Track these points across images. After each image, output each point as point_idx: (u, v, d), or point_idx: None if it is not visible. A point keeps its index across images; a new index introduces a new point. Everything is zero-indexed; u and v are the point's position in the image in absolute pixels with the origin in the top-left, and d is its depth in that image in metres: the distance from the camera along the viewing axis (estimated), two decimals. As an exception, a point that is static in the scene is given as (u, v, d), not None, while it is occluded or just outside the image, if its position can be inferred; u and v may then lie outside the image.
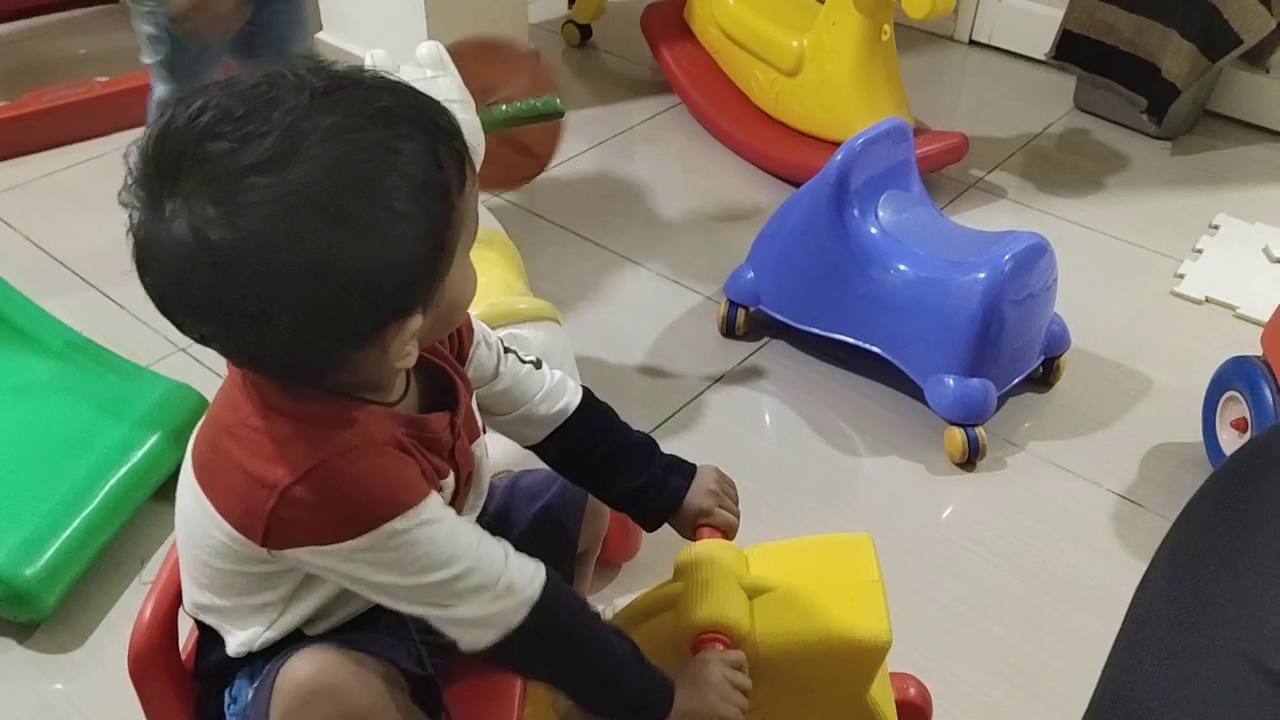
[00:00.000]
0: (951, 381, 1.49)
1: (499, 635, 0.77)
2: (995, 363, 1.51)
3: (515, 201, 2.07)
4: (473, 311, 0.87)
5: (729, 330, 1.75)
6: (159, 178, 0.65)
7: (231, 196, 0.63)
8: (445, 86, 1.31)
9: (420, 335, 0.73)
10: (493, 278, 1.32)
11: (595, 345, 1.72)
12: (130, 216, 0.66)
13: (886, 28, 2.02)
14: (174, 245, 0.64)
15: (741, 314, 1.74)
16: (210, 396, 0.81)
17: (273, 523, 0.71)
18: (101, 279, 1.82)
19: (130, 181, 0.66)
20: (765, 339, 1.74)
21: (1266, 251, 1.95)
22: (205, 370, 1.56)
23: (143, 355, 1.60)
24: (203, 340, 0.70)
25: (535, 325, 1.30)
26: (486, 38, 1.66)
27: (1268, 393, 1.39)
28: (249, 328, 0.67)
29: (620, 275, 1.91)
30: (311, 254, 0.64)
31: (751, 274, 1.73)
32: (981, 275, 1.47)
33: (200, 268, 0.64)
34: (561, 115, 1.44)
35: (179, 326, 0.69)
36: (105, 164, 2.07)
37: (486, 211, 1.43)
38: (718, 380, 1.67)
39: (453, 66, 1.33)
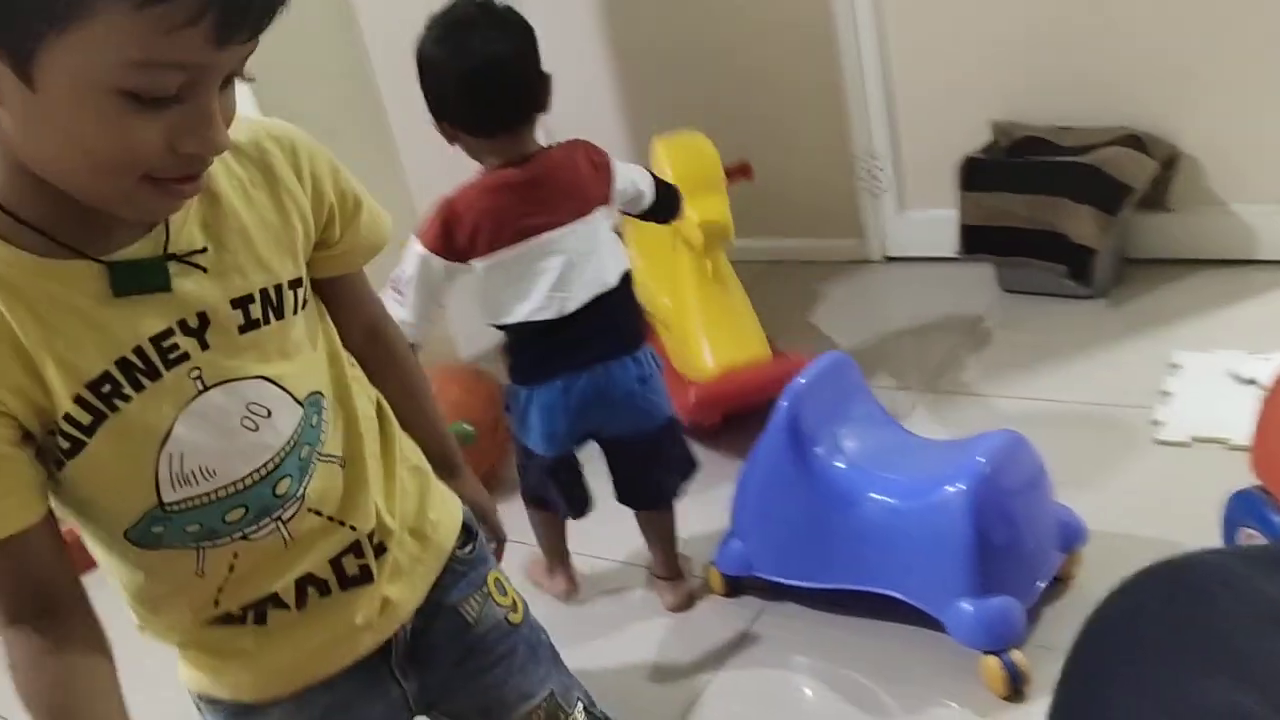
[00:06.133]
0: (969, 606, 1.40)
1: None
2: (1010, 574, 1.43)
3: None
4: None
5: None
6: None
7: None
8: None
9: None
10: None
11: (593, 654, 1.62)
12: None
13: (709, 264, 2.08)
14: None
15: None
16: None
17: None
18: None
19: None
20: (761, 605, 1.66)
21: (1234, 375, 1.93)
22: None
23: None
24: None
25: None
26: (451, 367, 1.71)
27: (1276, 520, 1.32)
28: None
29: (604, 580, 1.84)
30: None
31: (738, 541, 1.67)
32: (962, 485, 1.42)
33: None
34: (473, 439, 1.46)
35: None
36: None
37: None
38: (721, 666, 1.57)
39: None
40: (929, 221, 2.64)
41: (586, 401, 1.55)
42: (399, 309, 1.48)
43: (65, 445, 0.71)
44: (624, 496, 1.70)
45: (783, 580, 1.61)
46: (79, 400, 0.70)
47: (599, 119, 3.03)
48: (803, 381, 1.59)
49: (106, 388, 0.71)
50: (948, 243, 2.48)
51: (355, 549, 0.86)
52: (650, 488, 1.69)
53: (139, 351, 0.72)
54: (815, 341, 2.41)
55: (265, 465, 0.78)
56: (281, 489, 0.80)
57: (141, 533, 0.76)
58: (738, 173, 2.10)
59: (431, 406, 1.02)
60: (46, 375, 0.69)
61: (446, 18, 1.47)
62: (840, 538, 1.53)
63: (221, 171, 0.75)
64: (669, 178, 2.01)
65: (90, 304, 0.70)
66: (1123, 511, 1.65)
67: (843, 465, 1.55)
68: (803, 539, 1.58)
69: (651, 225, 1.82)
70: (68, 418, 0.70)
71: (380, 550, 0.87)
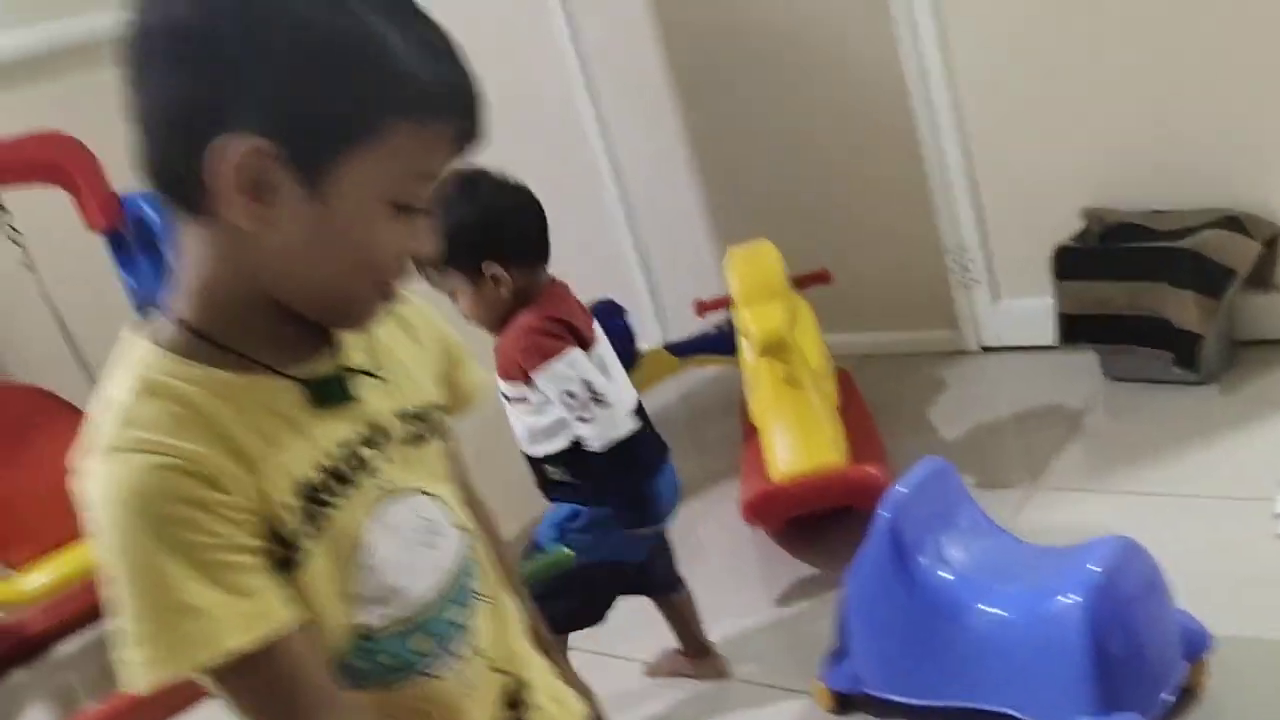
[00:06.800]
0: (1090, 723, 1.36)
1: None
2: (1132, 688, 1.38)
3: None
4: None
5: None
6: None
7: None
8: None
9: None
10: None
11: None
12: None
13: (786, 370, 2.10)
14: None
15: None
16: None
17: None
18: None
19: None
20: (866, 720, 1.63)
21: (1362, 462, 1.85)
22: None
23: None
24: None
25: None
26: None
27: None
28: None
29: (710, 695, 1.82)
30: None
31: (844, 656, 1.65)
32: (1077, 596, 1.38)
33: None
34: (571, 564, 1.50)
35: None
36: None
37: None
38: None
39: None
40: (1025, 310, 2.61)
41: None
42: (606, 411, 1.54)
43: (286, 556, 0.72)
44: (659, 589, 1.82)
45: (893, 697, 1.57)
46: (298, 509, 0.72)
47: (684, 220, 3.09)
48: (903, 491, 1.57)
49: (320, 495, 0.73)
50: (1046, 331, 2.45)
51: (509, 698, 0.86)
52: (674, 571, 1.83)
53: (337, 460, 0.75)
54: (914, 436, 2.39)
55: (441, 587, 0.80)
56: (453, 615, 0.81)
57: (342, 669, 0.76)
58: (815, 279, 2.16)
59: (519, 582, 1.00)
60: (269, 485, 0.71)
61: (462, 182, 1.55)
62: (950, 652, 1.49)
63: None
64: (734, 286, 2.16)
65: (295, 414, 0.74)
66: (1249, 613, 1.59)
67: (949, 576, 1.52)
68: (911, 653, 1.55)
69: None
70: (288, 528, 0.71)
71: (525, 704, 0.87)
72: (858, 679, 1.62)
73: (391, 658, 0.77)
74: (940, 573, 1.52)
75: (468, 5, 3.25)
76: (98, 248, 2.31)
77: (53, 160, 2.16)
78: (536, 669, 0.92)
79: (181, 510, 0.67)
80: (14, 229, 2.20)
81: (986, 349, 2.74)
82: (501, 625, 0.87)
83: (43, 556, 2.19)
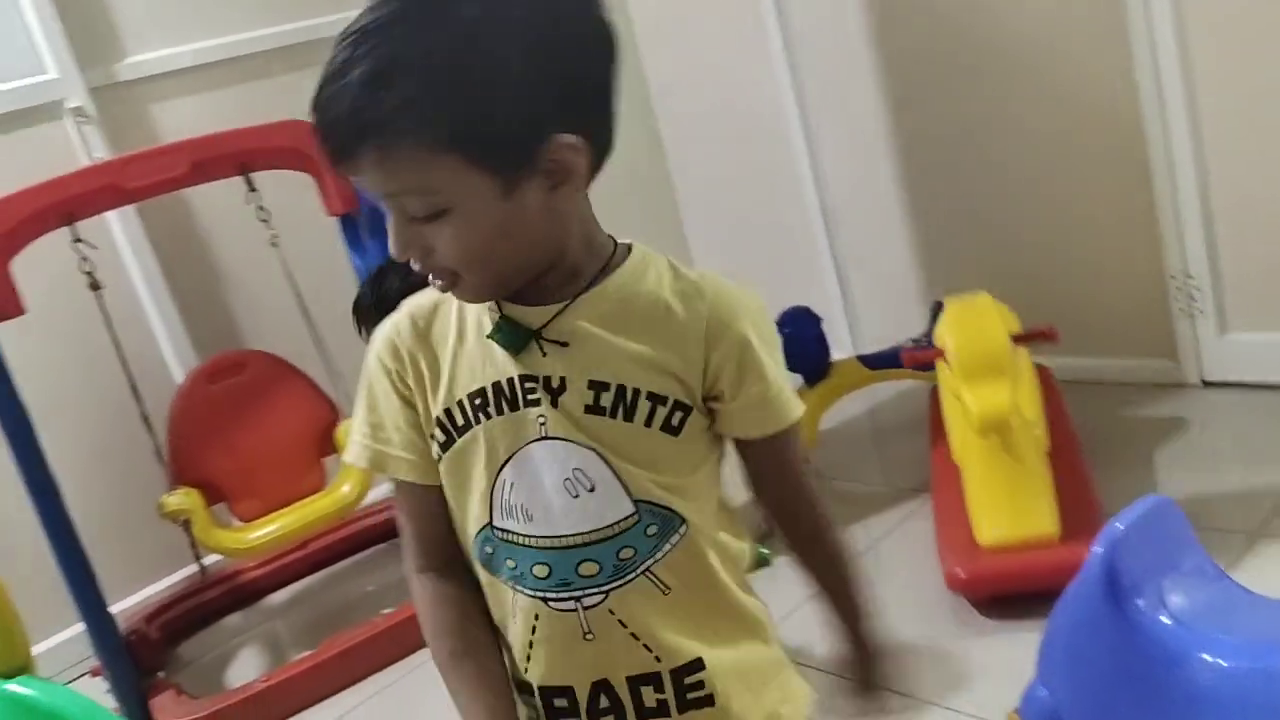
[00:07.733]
0: (1323, 795, 1.28)
1: None
2: (1369, 759, 1.29)
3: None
4: None
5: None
6: None
7: None
8: None
9: None
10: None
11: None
12: None
13: (1006, 439, 1.99)
14: None
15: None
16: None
17: None
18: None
19: None
20: (1076, 766, 1.56)
21: None
22: None
23: None
24: None
25: None
26: None
27: None
28: None
29: (898, 715, 1.79)
30: None
31: (1045, 691, 1.59)
32: (1311, 655, 1.30)
33: None
34: (768, 563, 1.49)
35: None
36: (393, 693, 2.20)
37: None
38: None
39: None
40: (1256, 345, 2.45)
41: None
42: None
43: (442, 439, 0.89)
44: None
45: (1099, 742, 1.52)
46: (468, 405, 0.88)
47: (883, 231, 3.05)
48: (1120, 527, 1.51)
49: (479, 401, 0.87)
50: (1274, 367, 2.30)
51: (655, 681, 0.87)
52: None
53: (510, 382, 0.86)
54: (1125, 471, 2.28)
55: (575, 536, 0.85)
56: (585, 571, 0.85)
57: (480, 548, 0.90)
58: (1039, 336, 2.06)
59: (849, 593, 1.03)
60: (454, 378, 0.88)
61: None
62: (1165, 701, 1.42)
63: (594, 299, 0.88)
64: (950, 353, 2.05)
65: (489, 343, 0.87)
66: None
67: (1169, 621, 1.45)
68: (1121, 698, 1.48)
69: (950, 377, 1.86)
70: (447, 415, 0.88)
71: (692, 691, 0.88)
72: (1057, 715, 1.56)
73: (514, 566, 0.88)
74: (1160, 618, 1.45)
75: (682, 6, 3.32)
76: (331, 229, 2.47)
77: (298, 147, 2.32)
78: (727, 661, 0.91)
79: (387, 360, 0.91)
80: (262, 208, 2.37)
81: (1208, 383, 2.58)
82: (677, 615, 0.87)
83: (268, 512, 2.37)
